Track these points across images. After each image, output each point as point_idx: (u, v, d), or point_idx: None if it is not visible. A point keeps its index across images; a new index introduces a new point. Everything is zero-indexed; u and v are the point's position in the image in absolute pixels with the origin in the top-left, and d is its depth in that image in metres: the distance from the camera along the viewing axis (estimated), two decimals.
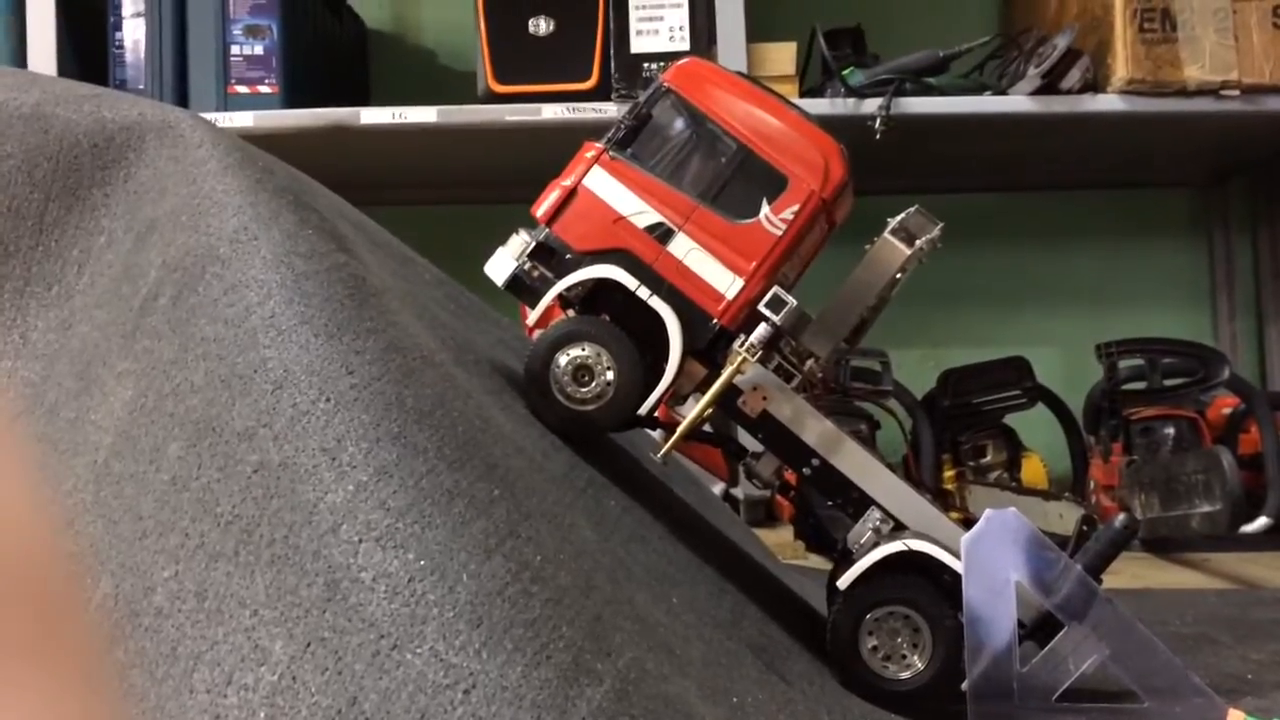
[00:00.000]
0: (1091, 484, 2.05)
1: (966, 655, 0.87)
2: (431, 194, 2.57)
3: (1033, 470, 2.09)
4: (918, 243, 0.92)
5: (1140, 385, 2.06)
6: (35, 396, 0.80)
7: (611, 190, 0.92)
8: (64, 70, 2.10)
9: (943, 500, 1.92)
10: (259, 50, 2.13)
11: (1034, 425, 2.18)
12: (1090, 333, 2.20)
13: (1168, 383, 2.05)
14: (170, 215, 0.79)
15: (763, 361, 0.91)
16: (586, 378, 0.91)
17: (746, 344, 0.89)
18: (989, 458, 2.11)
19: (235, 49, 2.13)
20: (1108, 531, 0.92)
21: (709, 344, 0.92)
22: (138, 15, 2.12)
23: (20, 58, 2.11)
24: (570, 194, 0.93)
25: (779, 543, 1.63)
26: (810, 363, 0.92)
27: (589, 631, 0.59)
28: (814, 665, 0.91)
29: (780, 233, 0.91)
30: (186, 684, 0.57)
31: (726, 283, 0.91)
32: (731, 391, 0.91)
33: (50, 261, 0.85)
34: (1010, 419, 2.15)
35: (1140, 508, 1.87)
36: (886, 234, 0.93)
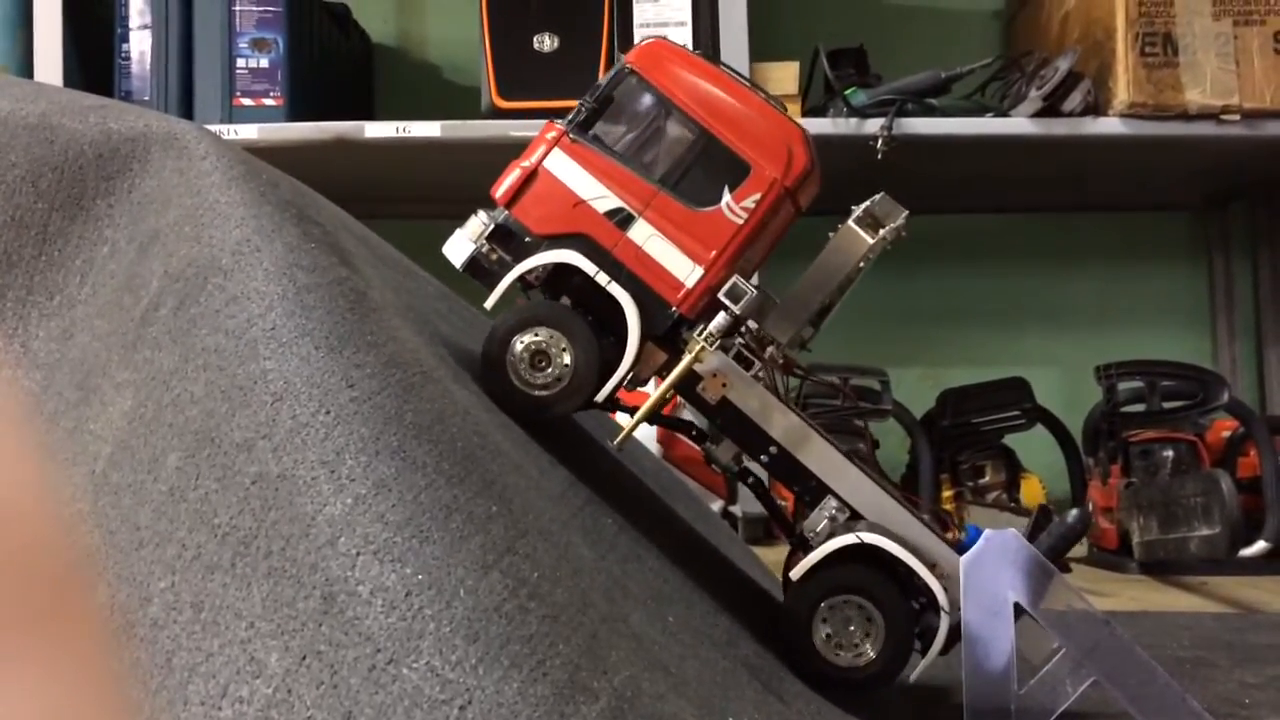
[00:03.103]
0: (1090, 505, 2.05)
1: (964, 677, 0.87)
2: (435, 208, 2.57)
3: (1031, 491, 2.09)
4: (882, 231, 0.90)
5: (1139, 407, 2.06)
6: (35, 406, 0.80)
7: (572, 173, 0.91)
8: (70, 81, 2.11)
9: (940, 520, 1.92)
10: (264, 63, 2.14)
11: (1033, 446, 2.19)
12: (1090, 354, 2.20)
13: (1167, 405, 2.05)
14: (173, 226, 0.79)
15: (723, 347, 0.90)
16: (543, 363, 0.89)
17: (705, 332, 0.88)
18: (988, 478, 2.11)
19: (241, 62, 2.14)
20: (1061, 525, 0.93)
21: (668, 330, 0.91)
22: (144, 27, 2.13)
23: (27, 68, 2.12)
24: (530, 175, 0.92)
25: (777, 561, 1.62)
26: (771, 348, 0.92)
27: (585, 649, 0.59)
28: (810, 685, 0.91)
29: (741, 222, 0.89)
30: (181, 696, 0.56)
31: (686, 271, 0.89)
32: (691, 377, 0.90)
33: (53, 271, 0.86)
34: (1009, 439, 2.15)
35: (1139, 530, 1.87)
36: (850, 221, 0.91)
